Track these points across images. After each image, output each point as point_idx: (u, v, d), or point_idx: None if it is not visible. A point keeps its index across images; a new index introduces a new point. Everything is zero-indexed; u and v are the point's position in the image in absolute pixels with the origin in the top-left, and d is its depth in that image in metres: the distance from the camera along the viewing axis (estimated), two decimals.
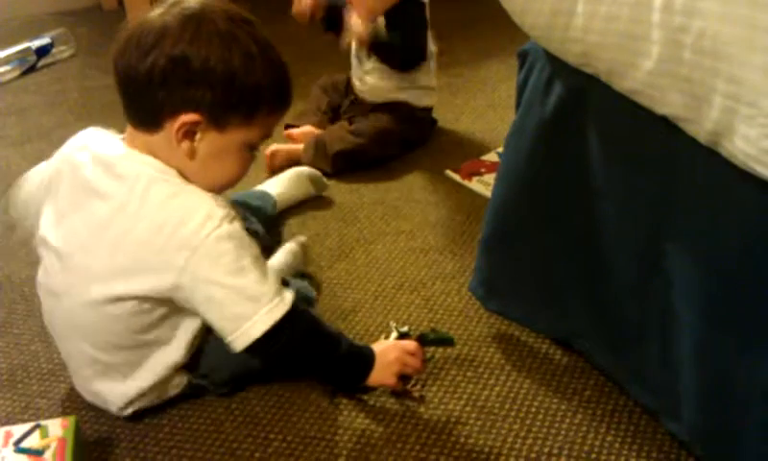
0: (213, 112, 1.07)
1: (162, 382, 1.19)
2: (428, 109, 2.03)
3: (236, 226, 1.08)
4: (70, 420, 1.11)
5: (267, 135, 1.16)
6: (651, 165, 1.03)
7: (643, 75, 0.95)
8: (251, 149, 1.14)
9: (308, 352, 1.19)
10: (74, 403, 1.25)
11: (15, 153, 2.07)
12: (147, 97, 1.07)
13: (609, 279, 1.14)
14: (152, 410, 1.23)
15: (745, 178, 0.87)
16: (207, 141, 1.08)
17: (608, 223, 1.12)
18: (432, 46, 1.98)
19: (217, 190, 1.11)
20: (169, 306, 1.11)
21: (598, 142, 1.11)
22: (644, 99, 0.98)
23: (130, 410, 1.20)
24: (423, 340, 1.30)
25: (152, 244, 1.06)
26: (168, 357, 1.17)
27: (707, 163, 0.93)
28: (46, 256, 1.17)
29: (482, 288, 1.35)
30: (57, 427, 1.10)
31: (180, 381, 1.21)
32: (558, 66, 1.14)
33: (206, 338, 1.17)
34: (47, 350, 1.37)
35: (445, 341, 1.32)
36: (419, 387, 1.25)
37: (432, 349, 1.30)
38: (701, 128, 0.90)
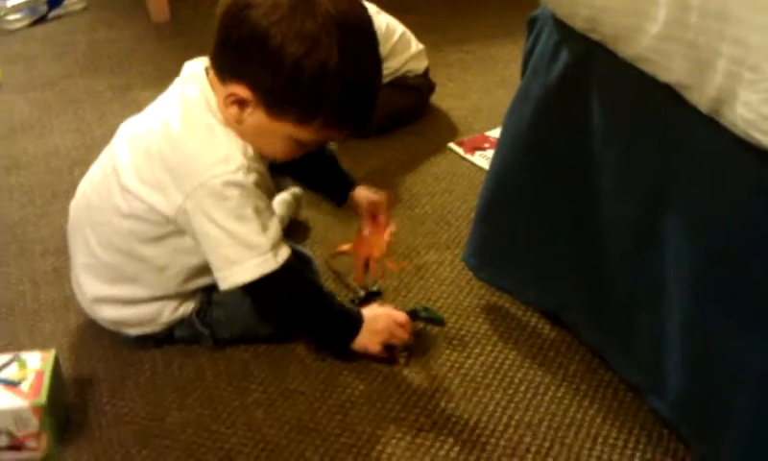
0: (268, 99, 1.07)
1: (142, 306, 1.19)
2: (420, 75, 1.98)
3: (249, 178, 1.09)
4: (50, 353, 1.10)
5: (322, 143, 1.17)
6: (652, 135, 1.01)
7: (649, 40, 0.93)
8: (300, 144, 1.13)
9: (297, 310, 1.18)
10: (57, 343, 1.25)
11: (20, 99, 2.06)
12: (221, 51, 1.08)
13: (602, 252, 1.13)
14: (134, 353, 1.22)
15: (745, 150, 0.85)
16: (256, 118, 1.09)
17: (606, 194, 1.10)
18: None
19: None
20: (173, 230, 1.13)
21: (601, 111, 1.09)
22: (649, 66, 0.96)
23: (101, 311, 1.21)
24: (414, 315, 1.28)
25: (171, 164, 1.09)
26: (155, 283, 1.18)
27: (707, 135, 0.91)
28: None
29: (474, 258, 1.34)
30: (36, 360, 1.09)
31: (163, 318, 1.21)
32: (565, 33, 1.12)
33: (222, 294, 1.17)
34: (34, 290, 1.37)
35: (436, 321, 1.29)
36: (404, 354, 1.23)
37: (422, 324, 1.29)
38: (703, 95, 0.88)
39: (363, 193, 1.33)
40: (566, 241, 1.19)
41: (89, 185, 1.22)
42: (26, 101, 2.05)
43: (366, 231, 1.32)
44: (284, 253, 1.12)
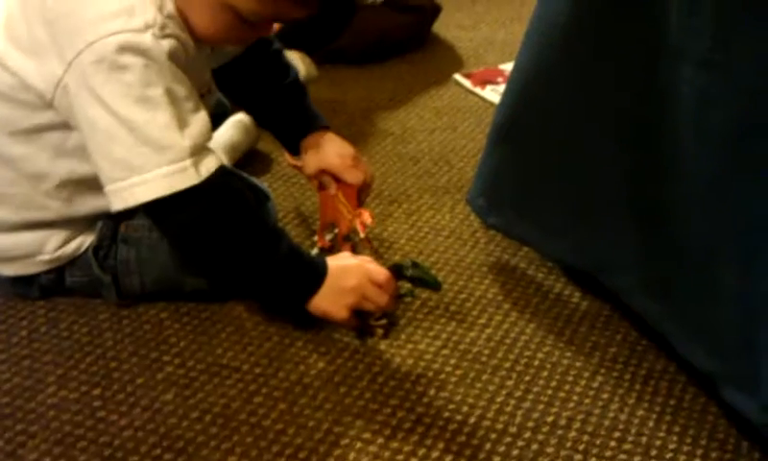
0: None
1: (13, 233, 0.88)
2: None
3: (162, 45, 0.77)
4: None
5: (269, 19, 0.83)
6: None
7: None
8: (240, 18, 0.80)
9: (227, 250, 0.84)
10: None
11: None
12: None
13: (672, 183, 0.79)
14: (10, 304, 0.91)
15: None
16: None
17: (686, 96, 0.75)
18: None
19: None
20: (53, 119, 0.82)
21: None
22: None
23: None
24: (399, 273, 0.96)
25: (51, 16, 0.79)
26: (29, 200, 0.86)
27: None
28: None
29: (483, 198, 1.00)
30: None
31: (45, 253, 0.89)
32: None
33: (133, 227, 0.90)
34: None
35: (429, 283, 0.97)
36: (383, 322, 0.90)
37: (408, 285, 0.97)
38: None
39: (329, 151, 1.00)
40: (617, 170, 0.85)
41: None
42: None
43: (332, 190, 1.00)
44: (211, 163, 0.80)
